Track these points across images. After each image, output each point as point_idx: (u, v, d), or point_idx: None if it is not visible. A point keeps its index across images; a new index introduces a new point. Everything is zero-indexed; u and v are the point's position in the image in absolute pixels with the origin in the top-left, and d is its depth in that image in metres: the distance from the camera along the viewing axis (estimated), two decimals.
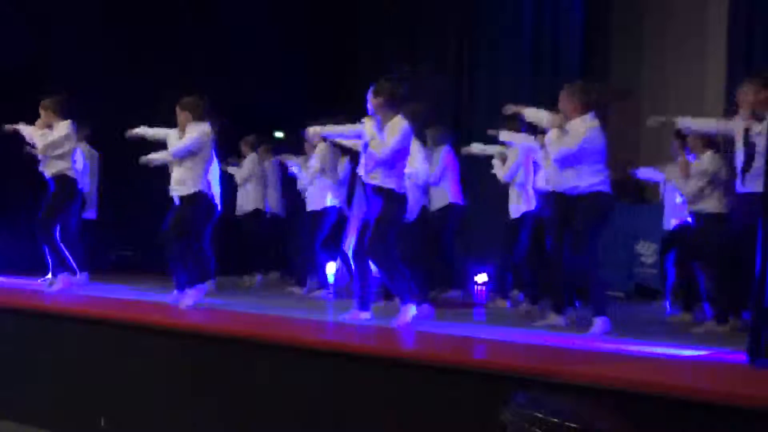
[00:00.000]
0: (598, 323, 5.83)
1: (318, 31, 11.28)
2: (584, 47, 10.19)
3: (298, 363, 5.17)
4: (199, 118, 7.12)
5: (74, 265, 8.09)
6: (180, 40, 10.36)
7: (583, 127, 6.06)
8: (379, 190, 6.12)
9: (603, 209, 6.02)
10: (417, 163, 7.39)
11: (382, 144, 6.07)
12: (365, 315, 6.26)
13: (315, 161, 8.43)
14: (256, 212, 9.86)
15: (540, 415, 3.37)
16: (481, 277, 8.35)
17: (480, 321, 7.11)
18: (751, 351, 4.39)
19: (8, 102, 8.64)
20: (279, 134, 9.56)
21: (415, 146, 7.14)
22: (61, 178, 7.97)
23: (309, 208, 8.64)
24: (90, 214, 9.67)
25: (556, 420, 3.34)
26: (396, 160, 6.10)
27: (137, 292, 8.04)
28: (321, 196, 8.53)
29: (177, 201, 7.16)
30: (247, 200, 9.82)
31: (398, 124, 6.11)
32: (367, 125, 6.23)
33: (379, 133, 6.15)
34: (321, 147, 8.39)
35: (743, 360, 4.44)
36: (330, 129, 6.74)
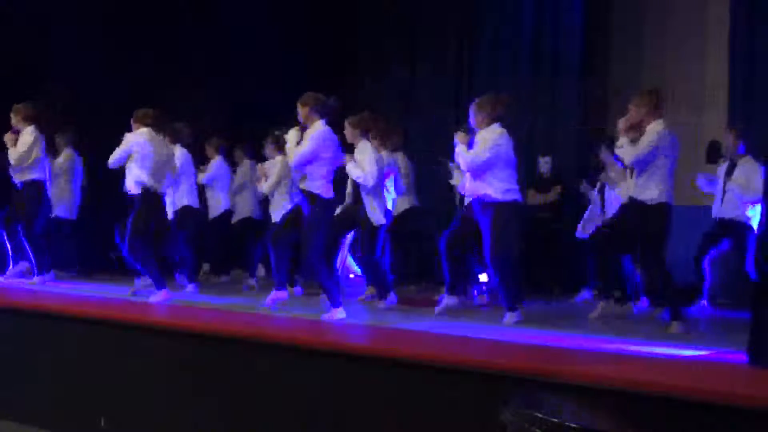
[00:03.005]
0: (510, 316, 6.45)
1: (318, 31, 11.27)
2: (584, 47, 10.18)
3: (298, 363, 5.17)
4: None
5: (34, 264, 8.46)
6: (180, 40, 10.35)
7: (491, 137, 6.46)
8: (305, 194, 6.54)
9: (510, 215, 6.49)
10: (367, 167, 7.37)
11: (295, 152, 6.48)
12: (340, 313, 6.45)
13: (272, 177, 8.35)
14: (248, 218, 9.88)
15: (540, 415, 3.37)
16: (482, 277, 8.34)
17: (480, 321, 7.12)
18: (751, 351, 4.39)
19: (8, 103, 8.64)
20: (277, 134, 9.53)
21: (367, 150, 7.38)
22: (31, 183, 8.34)
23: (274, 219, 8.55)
24: (64, 213, 9.74)
25: (556, 420, 3.34)
26: (306, 165, 6.47)
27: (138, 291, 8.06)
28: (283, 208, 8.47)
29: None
30: (243, 206, 9.77)
31: (313, 131, 6.50)
32: (291, 135, 6.62)
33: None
34: (279, 159, 8.34)
35: (743, 360, 4.44)
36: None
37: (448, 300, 6.92)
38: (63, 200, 9.71)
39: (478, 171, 6.50)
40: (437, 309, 6.96)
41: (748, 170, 7.56)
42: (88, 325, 6.30)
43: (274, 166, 8.39)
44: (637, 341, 5.57)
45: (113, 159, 7.61)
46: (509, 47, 10.59)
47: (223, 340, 5.55)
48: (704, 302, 7.68)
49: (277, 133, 8.09)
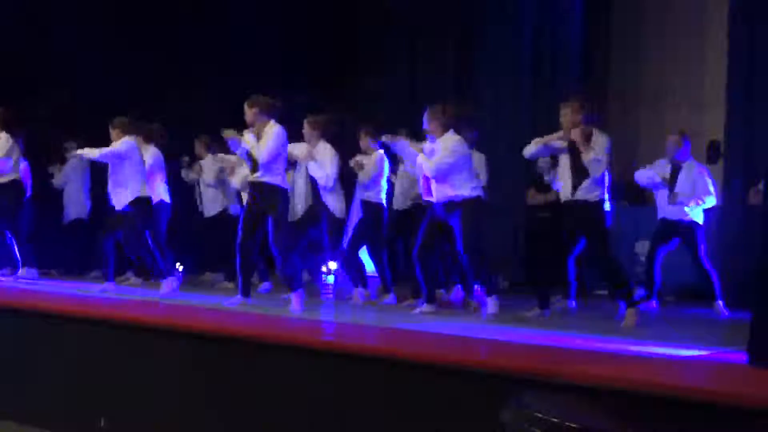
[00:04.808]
0: (491, 303, 6.80)
1: (318, 31, 11.28)
2: (584, 47, 10.19)
3: (298, 363, 5.17)
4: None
5: (19, 260, 8.80)
6: (180, 40, 10.36)
7: (450, 144, 6.81)
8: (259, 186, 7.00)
9: (477, 209, 6.87)
10: (327, 167, 7.70)
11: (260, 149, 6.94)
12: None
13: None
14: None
15: (540, 415, 3.37)
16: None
17: (480, 321, 7.12)
18: (751, 351, 4.39)
19: (7, 103, 8.65)
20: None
21: (327, 151, 7.74)
22: (11, 184, 8.68)
23: None
24: (78, 215, 9.87)
25: (556, 420, 3.33)
26: (273, 161, 6.97)
27: (137, 291, 8.07)
28: None
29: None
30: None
31: (272, 129, 7.01)
32: (246, 138, 7.05)
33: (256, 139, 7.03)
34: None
35: (743, 360, 4.44)
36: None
37: (428, 308, 7.08)
38: (76, 203, 9.85)
39: (443, 176, 6.82)
40: (416, 310, 7.10)
41: (693, 175, 7.73)
42: (88, 325, 6.30)
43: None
44: (637, 341, 5.57)
45: (104, 152, 7.90)
46: (509, 47, 10.59)
47: (223, 340, 5.55)
48: (720, 303, 7.71)
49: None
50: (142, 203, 8.11)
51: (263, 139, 6.99)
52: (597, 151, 6.64)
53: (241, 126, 9.35)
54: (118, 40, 10.03)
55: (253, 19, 10.87)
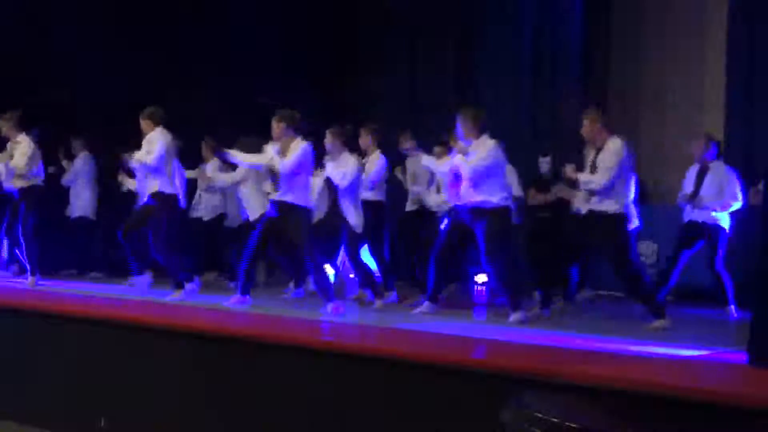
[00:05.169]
0: (515, 315, 6.60)
1: (318, 31, 11.28)
2: (584, 47, 10.19)
3: (298, 363, 5.17)
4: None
5: (27, 265, 8.56)
6: (180, 40, 10.35)
7: (485, 147, 6.74)
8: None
9: (505, 220, 6.85)
10: (348, 176, 7.56)
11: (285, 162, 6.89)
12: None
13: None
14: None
15: (540, 415, 3.37)
16: (481, 277, 8.35)
17: (480, 321, 7.13)
18: (751, 351, 4.39)
19: (7, 104, 8.65)
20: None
21: (351, 161, 7.59)
22: (30, 189, 8.46)
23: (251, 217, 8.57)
24: (85, 213, 9.90)
25: (556, 420, 3.33)
26: (294, 175, 6.90)
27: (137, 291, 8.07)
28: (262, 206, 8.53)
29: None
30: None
31: (298, 145, 6.93)
32: (267, 150, 7.04)
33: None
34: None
35: (743, 360, 4.44)
36: (238, 155, 7.34)
37: (429, 308, 7.04)
38: (82, 201, 9.90)
39: (479, 179, 6.72)
40: (416, 310, 7.06)
41: (720, 178, 7.63)
42: (88, 325, 6.30)
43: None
44: (637, 341, 5.57)
45: (154, 157, 7.59)
46: (509, 47, 10.59)
47: (223, 340, 5.55)
48: (732, 307, 7.63)
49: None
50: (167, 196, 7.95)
51: (288, 153, 6.95)
52: (605, 160, 6.61)
53: (241, 125, 9.38)
54: (118, 40, 10.02)
55: (253, 19, 10.86)
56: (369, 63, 11.58)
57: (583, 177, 6.68)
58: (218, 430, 5.48)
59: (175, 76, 10.11)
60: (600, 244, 6.75)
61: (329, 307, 6.87)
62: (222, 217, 9.68)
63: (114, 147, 8.82)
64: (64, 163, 10.17)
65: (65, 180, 10.14)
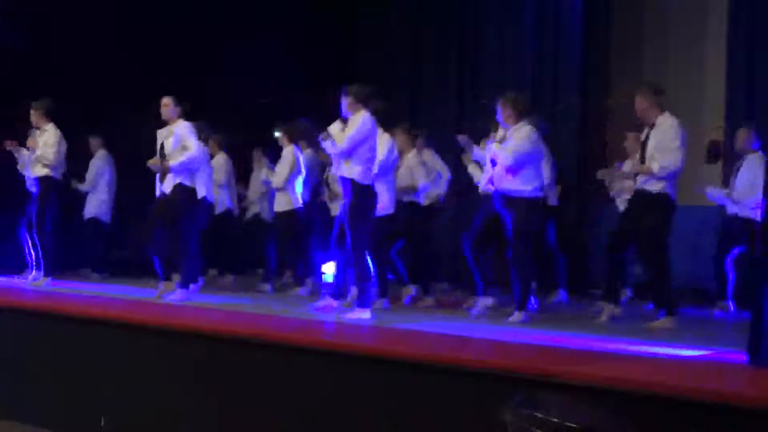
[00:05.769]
0: (517, 315, 6.53)
1: (318, 31, 11.28)
2: (584, 48, 10.18)
3: (298, 363, 5.17)
4: None
5: (40, 263, 8.48)
6: (180, 40, 10.35)
7: (524, 133, 6.63)
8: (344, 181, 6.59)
9: (534, 211, 6.72)
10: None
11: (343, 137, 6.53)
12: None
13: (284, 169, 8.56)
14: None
15: (540, 415, 3.37)
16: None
17: (480, 321, 7.12)
18: (751, 351, 4.39)
19: (7, 105, 8.65)
20: (278, 134, 9.51)
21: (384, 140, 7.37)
22: (46, 180, 8.38)
23: (277, 209, 8.80)
24: (100, 213, 9.91)
25: (556, 420, 3.34)
26: (353, 150, 6.49)
27: (137, 291, 8.08)
28: (293, 198, 8.66)
29: None
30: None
31: (359, 117, 6.56)
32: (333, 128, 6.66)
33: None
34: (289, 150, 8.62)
35: (743, 360, 4.44)
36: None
37: (485, 300, 6.93)
38: (99, 201, 9.87)
39: (518, 165, 6.59)
40: (475, 312, 6.91)
41: (754, 168, 7.42)
42: (88, 325, 6.30)
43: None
44: (638, 341, 5.57)
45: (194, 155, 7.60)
46: (509, 47, 10.59)
47: (223, 340, 5.55)
48: (729, 303, 7.59)
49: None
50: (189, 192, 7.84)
51: (348, 126, 6.60)
52: (666, 140, 6.46)
53: (239, 126, 9.40)
54: (118, 40, 10.03)
55: (252, 18, 10.86)
56: (369, 63, 11.59)
57: (644, 169, 6.45)
58: (218, 430, 5.48)
59: (175, 76, 10.11)
60: (640, 224, 6.46)
61: (322, 302, 6.82)
62: (228, 212, 9.71)
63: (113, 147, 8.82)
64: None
65: (84, 187, 10.01)
